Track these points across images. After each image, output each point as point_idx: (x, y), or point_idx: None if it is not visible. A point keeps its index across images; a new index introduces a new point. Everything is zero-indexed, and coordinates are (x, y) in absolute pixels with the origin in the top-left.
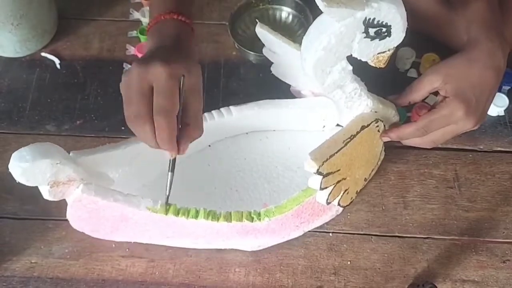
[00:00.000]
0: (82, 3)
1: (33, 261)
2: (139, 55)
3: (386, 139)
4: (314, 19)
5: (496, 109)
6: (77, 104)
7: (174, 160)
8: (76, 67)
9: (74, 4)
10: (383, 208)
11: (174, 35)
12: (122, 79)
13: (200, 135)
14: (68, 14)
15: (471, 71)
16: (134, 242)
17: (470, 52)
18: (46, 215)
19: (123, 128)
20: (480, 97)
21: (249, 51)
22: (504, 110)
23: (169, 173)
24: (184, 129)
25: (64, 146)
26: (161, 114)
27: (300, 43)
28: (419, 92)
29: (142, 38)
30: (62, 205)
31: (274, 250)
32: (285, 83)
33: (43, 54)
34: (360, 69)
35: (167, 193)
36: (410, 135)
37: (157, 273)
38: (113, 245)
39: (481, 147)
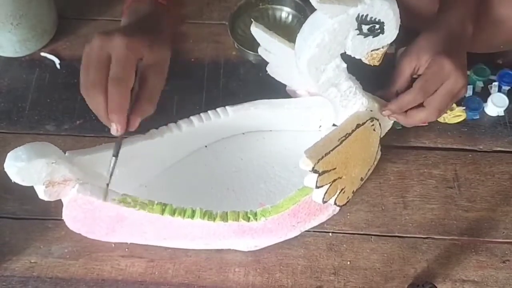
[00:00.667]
0: (82, 3)
1: (32, 261)
2: None
3: (387, 113)
4: None
5: (496, 109)
6: (76, 104)
7: (120, 141)
8: (76, 67)
9: (74, 4)
10: (383, 208)
11: (147, 16)
12: (85, 46)
13: (151, 112)
14: (68, 14)
15: (439, 36)
16: (133, 242)
17: (432, 25)
18: (45, 215)
19: None
20: (457, 49)
21: (249, 51)
22: (504, 110)
23: (113, 157)
24: (137, 103)
25: (63, 146)
26: (114, 83)
27: None
28: (402, 77)
29: None
30: (61, 205)
31: (274, 250)
32: None
33: (42, 54)
34: (359, 68)
35: (108, 181)
36: (411, 101)
37: (156, 273)
38: (113, 245)
39: (481, 147)
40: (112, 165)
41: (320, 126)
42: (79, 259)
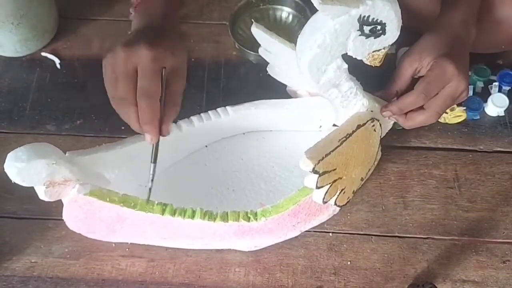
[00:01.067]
0: (82, 3)
1: (33, 261)
2: None
3: (387, 113)
4: None
5: (496, 109)
6: (77, 104)
7: (157, 148)
8: (76, 66)
9: (74, 4)
10: (383, 208)
11: (162, 15)
12: (105, 59)
13: (176, 114)
14: (68, 14)
15: (442, 38)
16: (133, 242)
17: (435, 27)
18: (46, 215)
19: (123, 128)
20: (460, 52)
21: (249, 51)
22: (504, 111)
23: (152, 164)
24: (164, 110)
25: (64, 145)
26: (144, 97)
27: None
28: (402, 78)
29: None
30: (62, 205)
31: (274, 250)
32: None
33: (43, 53)
34: (358, 68)
35: (150, 186)
36: (412, 103)
37: (157, 272)
38: (113, 245)
39: (481, 147)
40: (151, 171)
41: (321, 126)
42: (80, 259)
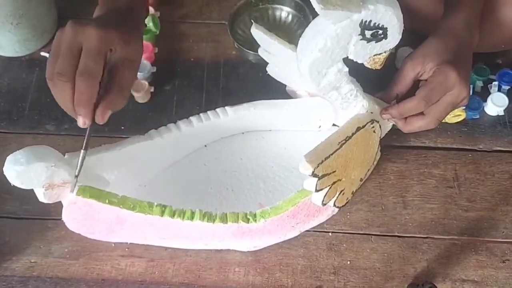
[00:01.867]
0: (82, 2)
1: (32, 261)
2: None
3: (386, 116)
4: (313, 18)
5: (496, 109)
6: None
7: (89, 134)
8: None
9: (73, 4)
10: (383, 207)
11: (126, 7)
12: (56, 36)
13: (121, 106)
14: (68, 13)
15: (446, 43)
16: (133, 242)
17: (439, 31)
18: (45, 215)
19: (122, 127)
20: (464, 58)
21: (248, 51)
22: (504, 110)
23: (82, 150)
24: (106, 96)
25: (63, 145)
26: (84, 75)
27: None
28: (403, 81)
29: None
30: (61, 205)
31: (274, 250)
32: None
33: (42, 53)
34: (358, 69)
35: (77, 173)
36: (412, 109)
37: (156, 272)
38: (113, 245)
39: (481, 147)
40: (80, 158)
41: (320, 126)
42: (79, 259)
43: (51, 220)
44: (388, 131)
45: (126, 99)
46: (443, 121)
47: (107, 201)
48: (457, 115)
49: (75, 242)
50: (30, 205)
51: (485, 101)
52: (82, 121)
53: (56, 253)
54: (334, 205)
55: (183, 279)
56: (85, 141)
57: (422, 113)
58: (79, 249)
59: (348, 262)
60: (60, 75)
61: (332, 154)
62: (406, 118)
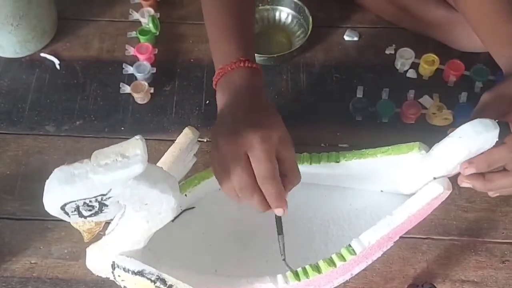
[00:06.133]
0: (82, 3)
1: (32, 262)
2: (139, 56)
3: (470, 171)
4: (313, 19)
5: None
6: (76, 105)
7: (280, 218)
8: (76, 67)
9: (73, 4)
10: None
11: (247, 87)
12: (212, 151)
13: (298, 181)
14: (68, 14)
15: None
16: None
17: None
18: (45, 216)
19: (122, 128)
20: None
21: None
22: None
23: (279, 236)
24: (285, 180)
25: (63, 147)
26: (268, 181)
27: (299, 44)
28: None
29: (142, 38)
30: None
31: None
32: (283, 82)
33: (42, 54)
34: (360, 71)
35: (284, 258)
36: (501, 159)
37: None
38: None
39: None
40: (282, 242)
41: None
42: (79, 260)
43: (51, 221)
44: (390, 136)
45: (299, 175)
46: (432, 123)
47: None
48: (445, 119)
49: (75, 243)
50: (30, 206)
51: None
52: (281, 212)
53: (56, 254)
54: None
55: None
56: (279, 227)
57: (505, 169)
58: (79, 250)
59: None
60: (244, 190)
61: None
62: (484, 175)
